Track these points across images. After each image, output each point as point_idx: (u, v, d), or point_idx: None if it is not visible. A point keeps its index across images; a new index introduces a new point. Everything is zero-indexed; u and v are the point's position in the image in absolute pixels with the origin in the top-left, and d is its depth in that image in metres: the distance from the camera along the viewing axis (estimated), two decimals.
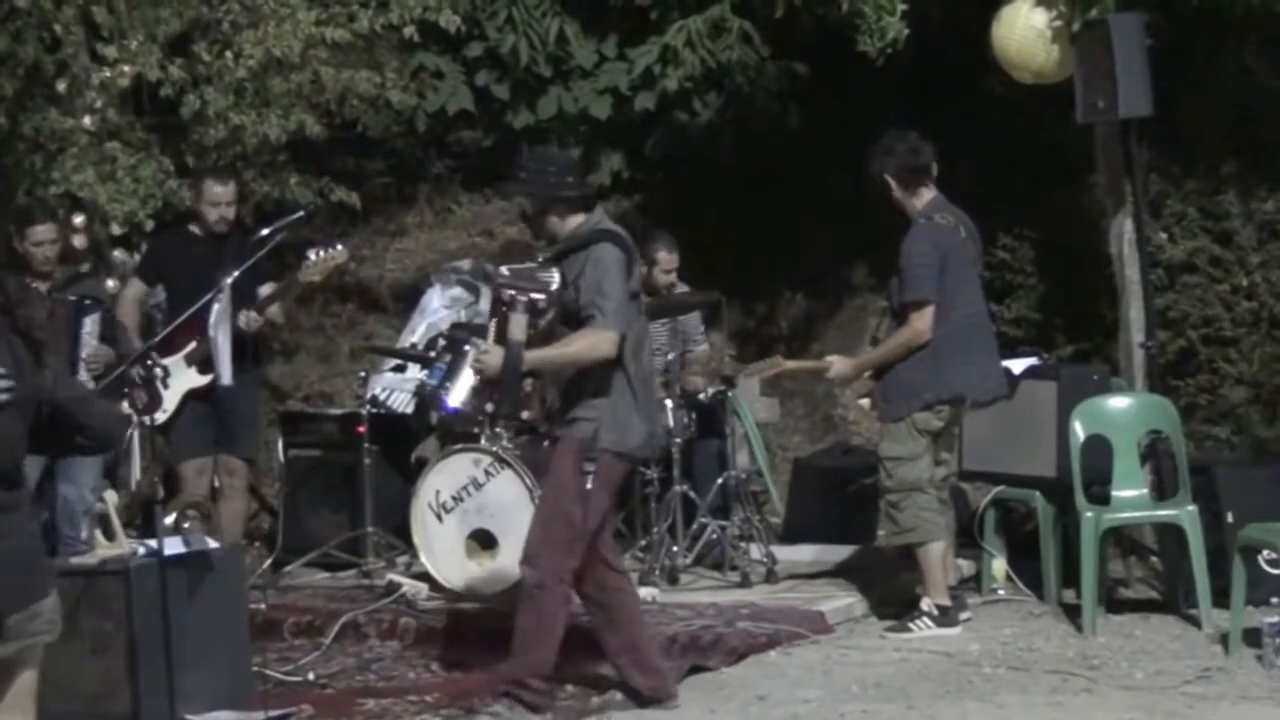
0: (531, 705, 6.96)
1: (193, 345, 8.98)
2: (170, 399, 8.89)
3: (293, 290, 9.43)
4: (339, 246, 9.42)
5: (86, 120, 10.00)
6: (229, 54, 10.06)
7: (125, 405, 8.38)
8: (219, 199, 9.25)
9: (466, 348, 8.42)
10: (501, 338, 7.00)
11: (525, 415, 8.17)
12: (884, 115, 9.28)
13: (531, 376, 7.30)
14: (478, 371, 7.44)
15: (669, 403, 9.15)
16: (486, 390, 7.50)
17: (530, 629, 6.96)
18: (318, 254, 9.16)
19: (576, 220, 7.00)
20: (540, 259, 7.25)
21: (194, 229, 9.38)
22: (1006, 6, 9.23)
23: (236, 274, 8.70)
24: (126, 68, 9.86)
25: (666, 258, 9.77)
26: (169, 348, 8.71)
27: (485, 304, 10.53)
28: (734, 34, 10.93)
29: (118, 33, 9.84)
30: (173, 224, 9.77)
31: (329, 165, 11.46)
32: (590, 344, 6.80)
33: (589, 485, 6.85)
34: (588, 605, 7.20)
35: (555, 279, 6.95)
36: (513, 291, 6.98)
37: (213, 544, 7.67)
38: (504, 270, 7.36)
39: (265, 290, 9.23)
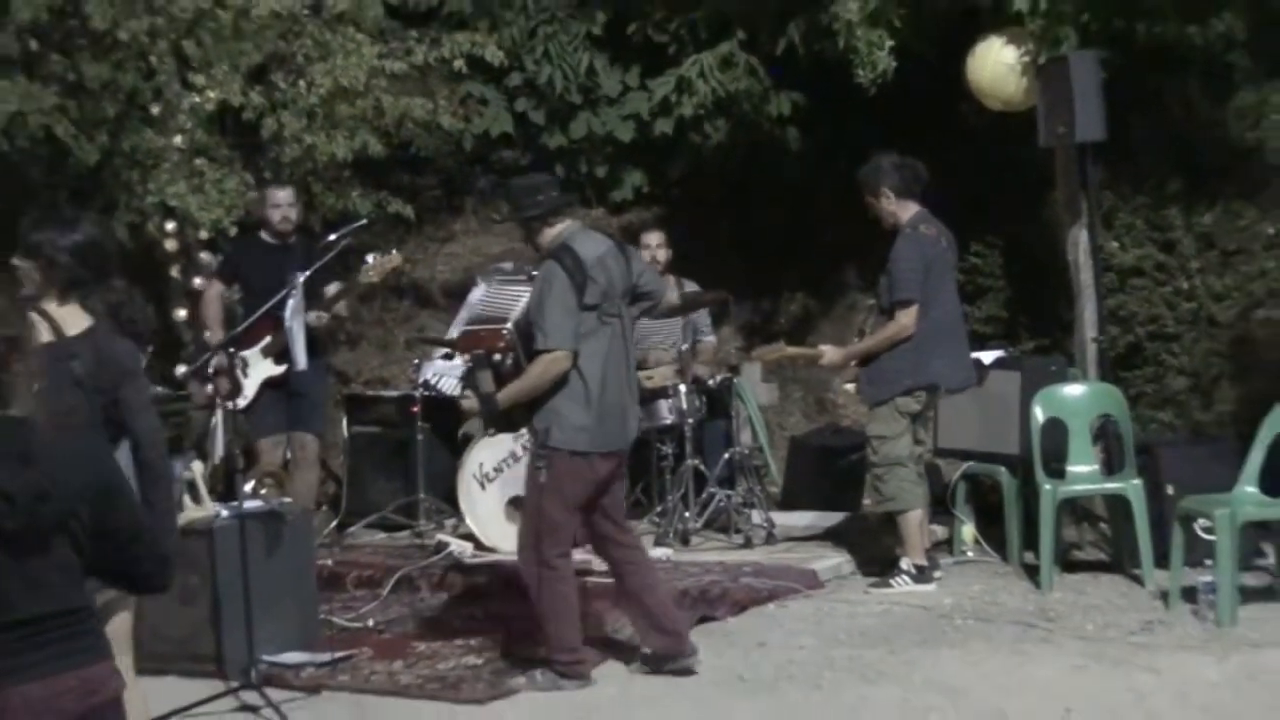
0: (563, 674, 6.82)
1: (268, 339, 8.94)
2: (250, 386, 8.90)
3: (354, 289, 9.46)
4: (394, 252, 9.47)
5: (178, 140, 10.04)
6: (302, 83, 10.11)
7: (210, 389, 8.40)
8: (280, 202, 9.30)
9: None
10: (477, 389, 6.87)
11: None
12: (873, 138, 9.29)
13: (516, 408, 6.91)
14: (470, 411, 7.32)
15: (683, 387, 9.19)
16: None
17: (541, 614, 6.81)
18: (376, 258, 9.19)
19: (553, 232, 6.80)
20: (530, 273, 7.19)
21: (264, 236, 9.41)
22: (980, 43, 9.24)
23: (309, 272, 8.72)
24: (213, 94, 9.90)
25: (653, 238, 9.82)
26: (247, 341, 8.66)
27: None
28: (741, 67, 10.94)
29: (205, 63, 9.87)
30: (248, 231, 9.81)
31: (387, 180, 11.51)
32: (542, 368, 6.60)
33: (542, 479, 6.65)
34: (610, 569, 7.09)
35: (517, 306, 6.86)
36: (470, 353, 6.84)
37: (286, 506, 7.74)
38: (497, 275, 7.31)
39: (331, 289, 9.23)
